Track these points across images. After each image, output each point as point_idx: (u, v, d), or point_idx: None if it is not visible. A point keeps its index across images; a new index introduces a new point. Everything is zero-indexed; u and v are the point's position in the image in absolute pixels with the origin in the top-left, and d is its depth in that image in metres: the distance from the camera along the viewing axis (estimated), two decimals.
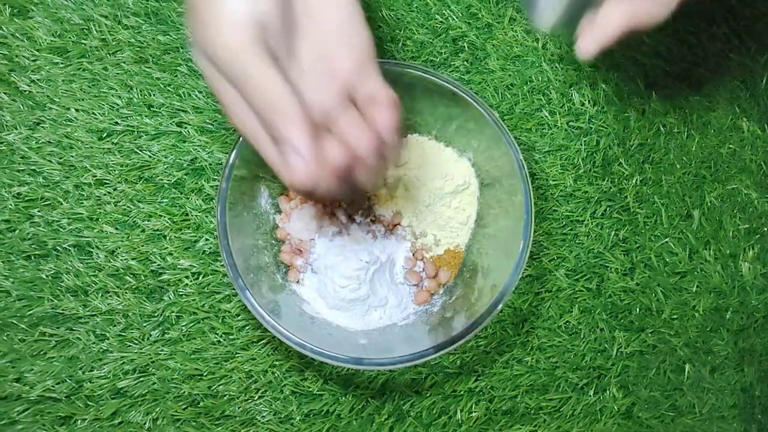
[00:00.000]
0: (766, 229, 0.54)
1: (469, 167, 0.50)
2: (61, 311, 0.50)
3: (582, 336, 0.51)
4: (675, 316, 0.52)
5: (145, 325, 0.50)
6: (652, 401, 0.51)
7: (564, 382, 0.51)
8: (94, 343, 0.49)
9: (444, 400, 0.50)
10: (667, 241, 0.53)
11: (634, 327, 0.52)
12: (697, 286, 0.53)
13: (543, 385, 0.51)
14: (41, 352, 0.49)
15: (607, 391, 0.51)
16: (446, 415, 0.50)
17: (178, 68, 0.53)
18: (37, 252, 0.50)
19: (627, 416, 0.51)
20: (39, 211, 0.51)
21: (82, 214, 0.51)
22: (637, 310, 0.52)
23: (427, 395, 0.50)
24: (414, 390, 0.50)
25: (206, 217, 0.51)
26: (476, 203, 0.50)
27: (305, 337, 0.42)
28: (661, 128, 0.55)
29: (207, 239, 0.51)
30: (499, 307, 0.43)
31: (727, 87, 0.56)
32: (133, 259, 0.51)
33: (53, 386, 0.48)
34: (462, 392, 0.50)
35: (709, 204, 0.54)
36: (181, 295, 0.50)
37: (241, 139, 0.45)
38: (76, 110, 0.52)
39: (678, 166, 0.54)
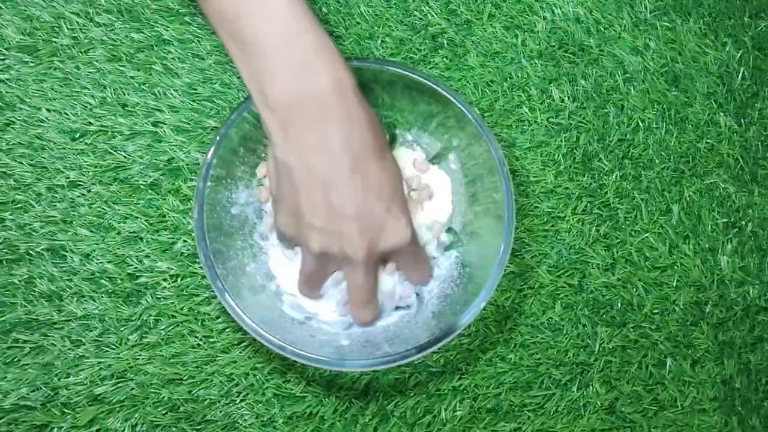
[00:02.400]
0: (743, 222, 0.55)
1: (440, 175, 0.50)
2: (35, 317, 0.48)
3: (564, 332, 0.52)
4: (656, 311, 0.52)
5: (122, 329, 0.49)
6: (635, 396, 0.51)
7: (547, 378, 0.51)
8: (69, 348, 0.48)
9: (428, 399, 0.50)
10: (647, 236, 0.53)
11: (615, 322, 0.52)
12: (677, 281, 0.53)
13: (526, 382, 0.51)
14: (15, 359, 0.48)
15: (590, 387, 0.51)
16: (430, 414, 0.50)
17: (153, 66, 0.52)
18: (9, 256, 0.49)
19: (610, 411, 0.51)
20: (10, 215, 0.50)
21: (55, 216, 0.50)
22: (619, 305, 0.52)
23: (411, 395, 0.50)
24: (398, 390, 0.50)
25: (184, 218, 0.50)
26: (449, 209, 0.50)
27: (286, 339, 0.41)
28: (640, 124, 0.55)
29: (185, 241, 0.50)
30: (482, 305, 0.43)
31: (704, 82, 0.56)
32: (108, 262, 0.49)
33: (28, 394, 0.47)
34: (446, 391, 0.50)
35: (687, 199, 0.54)
36: (159, 298, 0.49)
37: (219, 138, 0.44)
38: (48, 110, 0.51)
39: (657, 162, 0.55)
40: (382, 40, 0.55)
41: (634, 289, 0.53)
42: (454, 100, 0.46)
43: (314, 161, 0.39)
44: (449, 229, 0.50)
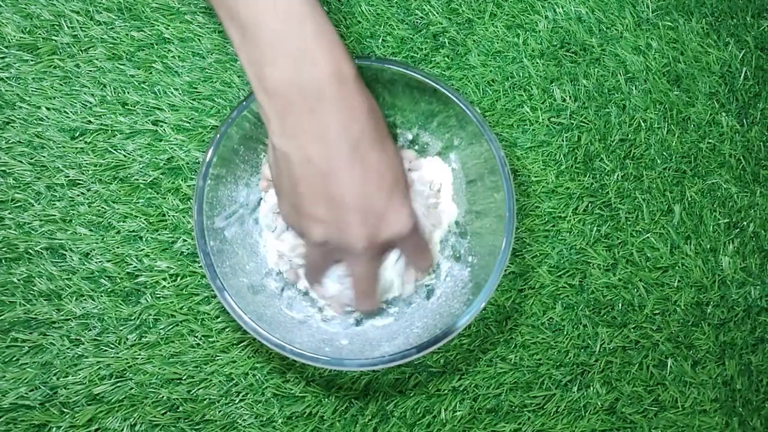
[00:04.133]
0: (745, 223, 0.54)
1: (442, 168, 0.50)
2: (34, 316, 0.48)
3: (565, 332, 0.51)
4: (657, 311, 0.52)
5: (121, 328, 0.49)
6: (635, 396, 0.51)
7: (548, 379, 0.51)
8: (68, 348, 0.48)
9: (428, 400, 0.50)
10: (648, 237, 0.53)
11: (616, 323, 0.52)
12: (679, 281, 0.53)
13: (527, 382, 0.50)
14: (14, 359, 0.48)
15: (591, 387, 0.51)
16: (430, 414, 0.49)
17: (153, 65, 0.52)
18: (8, 255, 0.49)
19: (610, 412, 0.51)
20: (10, 213, 0.49)
21: (54, 215, 0.50)
22: (620, 305, 0.52)
23: (411, 395, 0.49)
24: (398, 390, 0.49)
25: (184, 217, 0.50)
26: (451, 204, 0.50)
27: (285, 338, 0.41)
28: (642, 123, 0.55)
29: (185, 240, 0.50)
30: (482, 305, 0.42)
31: (706, 82, 0.56)
32: (108, 261, 0.49)
33: (27, 393, 0.47)
34: (446, 391, 0.50)
35: (689, 199, 0.54)
36: (159, 297, 0.49)
37: (219, 136, 0.44)
38: (48, 109, 0.51)
39: (659, 162, 0.55)
40: (383, 39, 0.54)
41: (635, 290, 0.52)
42: (455, 100, 0.46)
43: (313, 151, 0.39)
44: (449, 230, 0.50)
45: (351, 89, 0.39)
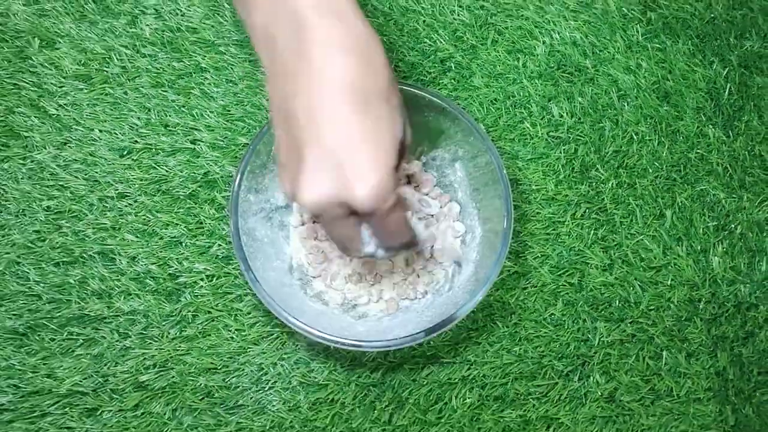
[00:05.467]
0: (733, 225, 0.58)
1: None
2: (88, 313, 0.53)
3: (566, 327, 0.55)
4: (652, 307, 0.56)
5: (164, 324, 0.53)
6: (633, 386, 0.54)
7: (550, 369, 0.54)
8: (117, 341, 0.53)
9: (440, 388, 0.53)
10: (642, 239, 0.57)
11: (614, 318, 0.55)
12: (672, 280, 0.56)
13: (531, 372, 0.54)
14: (70, 350, 0.52)
15: (591, 377, 0.54)
16: (442, 401, 0.53)
17: (192, 91, 0.58)
18: (65, 259, 0.54)
19: (610, 400, 0.54)
20: (67, 222, 0.55)
21: (105, 224, 0.55)
22: (617, 302, 0.56)
23: (425, 383, 0.53)
24: (412, 379, 0.53)
25: (218, 224, 0.56)
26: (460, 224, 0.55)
27: (311, 324, 0.46)
28: (634, 136, 0.59)
29: (219, 245, 0.55)
30: (484, 290, 0.46)
31: (693, 98, 0.60)
32: (152, 264, 0.54)
33: (81, 381, 0.52)
34: (456, 380, 0.54)
35: (680, 204, 0.58)
36: (197, 296, 0.54)
37: (249, 152, 0.49)
38: (100, 131, 0.56)
39: (650, 171, 0.59)
40: (395, 65, 0.59)
41: (631, 288, 0.56)
42: (461, 117, 0.50)
43: (294, 99, 0.34)
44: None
45: (340, 23, 0.33)
